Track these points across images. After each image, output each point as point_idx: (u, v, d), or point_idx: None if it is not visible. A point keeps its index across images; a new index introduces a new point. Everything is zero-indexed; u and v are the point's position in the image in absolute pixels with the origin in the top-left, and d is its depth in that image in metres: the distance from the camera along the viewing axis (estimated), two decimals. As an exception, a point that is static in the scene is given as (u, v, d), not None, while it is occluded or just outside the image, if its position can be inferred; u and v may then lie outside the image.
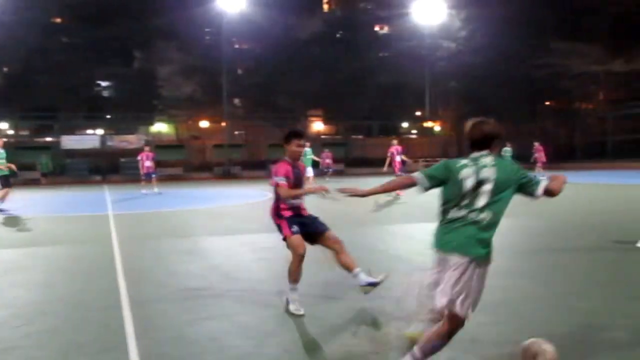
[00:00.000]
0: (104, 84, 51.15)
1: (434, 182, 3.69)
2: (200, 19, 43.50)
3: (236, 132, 46.95)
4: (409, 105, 51.39)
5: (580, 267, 7.14)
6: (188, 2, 42.54)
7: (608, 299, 5.61)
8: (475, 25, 47.20)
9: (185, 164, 40.03)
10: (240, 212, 15.25)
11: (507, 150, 31.25)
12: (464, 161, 3.68)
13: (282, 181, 5.30)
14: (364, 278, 5.33)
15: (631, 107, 47.25)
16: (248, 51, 51.48)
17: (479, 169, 3.59)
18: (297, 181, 5.45)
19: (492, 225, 3.57)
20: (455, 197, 3.61)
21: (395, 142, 19.21)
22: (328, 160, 30.76)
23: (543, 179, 3.69)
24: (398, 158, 18.59)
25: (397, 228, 10.92)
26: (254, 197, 19.88)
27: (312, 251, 5.44)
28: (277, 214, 5.45)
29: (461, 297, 3.49)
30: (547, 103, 55.67)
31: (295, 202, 5.46)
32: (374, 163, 41.67)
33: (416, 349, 3.59)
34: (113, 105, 47.49)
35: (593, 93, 54.47)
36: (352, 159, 41.75)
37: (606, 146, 48.35)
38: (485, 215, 3.53)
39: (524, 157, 35.18)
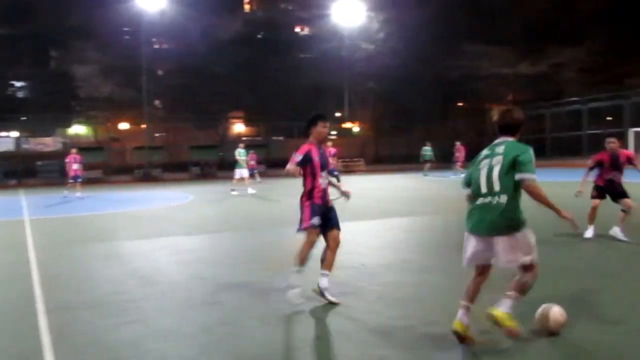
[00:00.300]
0: (18, 84, 48.64)
1: (467, 179, 4.34)
2: (119, 18, 42.13)
3: (157, 134, 45.83)
4: (329, 106, 51.93)
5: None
6: (106, 0, 41.17)
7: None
8: (392, 28, 48.39)
9: (105, 166, 38.67)
10: (162, 215, 14.98)
11: (427, 149, 32.20)
12: (485, 152, 4.28)
13: (297, 157, 5.48)
14: (324, 285, 5.51)
15: (537, 108, 49.88)
16: (168, 51, 50.38)
17: (493, 155, 4.16)
18: (324, 161, 5.64)
19: (508, 202, 4.03)
20: (476, 184, 4.19)
21: (329, 143, 19.44)
22: (253, 162, 30.65)
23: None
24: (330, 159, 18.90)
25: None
26: (176, 199, 19.57)
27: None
28: (308, 196, 5.57)
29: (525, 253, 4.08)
30: (460, 104, 57.79)
31: (324, 184, 5.63)
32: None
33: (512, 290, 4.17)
34: (28, 107, 45.16)
35: (502, 94, 57.00)
36: (273, 160, 41.73)
37: (514, 145, 50.70)
38: (501, 196, 4.04)
39: (439, 156, 36.52)
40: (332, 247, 5.62)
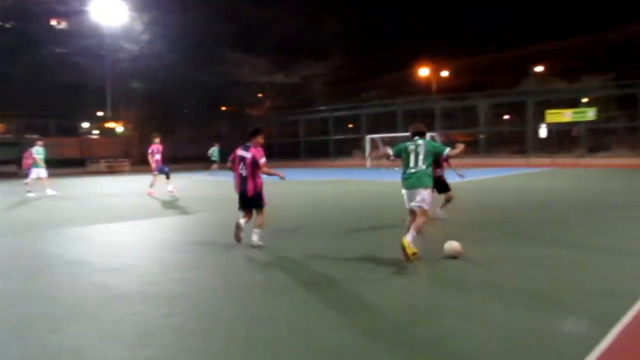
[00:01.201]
0: None
1: (397, 153, 7.06)
2: None
3: None
4: (90, 105, 48.25)
5: (244, 256, 7.59)
6: None
7: (262, 281, 6.07)
8: (157, 30, 46.74)
9: None
10: None
11: (214, 150, 32.14)
12: (408, 143, 6.98)
13: (264, 158, 7.82)
14: (256, 239, 7.70)
15: (292, 115, 52.77)
16: None
17: (417, 145, 6.88)
18: None
19: (428, 171, 6.81)
20: (407, 161, 6.85)
21: (157, 140, 17.71)
22: (30, 161, 26.94)
23: (449, 148, 7.19)
24: (157, 156, 17.33)
25: (75, 231, 10.12)
26: None
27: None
28: (261, 185, 7.89)
29: (428, 203, 6.86)
30: (223, 108, 58.44)
31: None
32: (49, 163, 37.67)
33: (412, 229, 6.59)
34: None
35: (260, 101, 59.10)
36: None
37: (272, 148, 53.02)
38: (423, 167, 6.76)
39: (203, 158, 36.39)
40: (259, 214, 7.91)
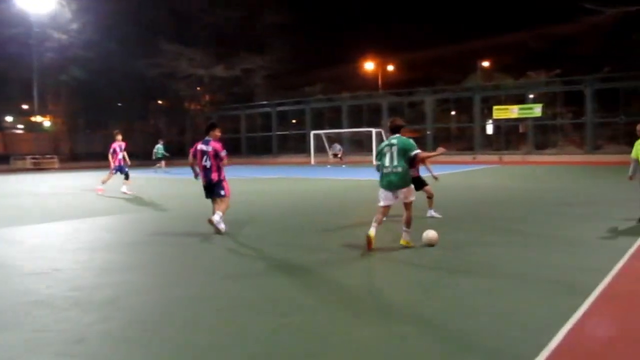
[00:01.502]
0: None
1: (377, 158, 7.55)
2: None
3: None
4: (14, 97, 46.27)
5: (184, 256, 7.48)
6: None
7: (205, 282, 5.98)
8: (87, 19, 45.16)
9: None
10: None
11: (160, 147, 31.64)
12: (384, 143, 7.51)
13: (226, 153, 8.88)
14: (217, 218, 8.58)
15: (233, 110, 52.25)
16: None
17: (391, 145, 7.34)
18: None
19: (403, 171, 7.22)
20: (382, 161, 7.34)
21: (119, 137, 16.94)
22: None
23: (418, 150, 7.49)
24: (120, 156, 16.65)
25: (2, 232, 9.72)
26: None
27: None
28: (224, 176, 8.93)
29: (411, 195, 7.41)
30: (159, 102, 57.21)
31: None
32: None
33: (404, 225, 7.39)
34: None
35: (199, 94, 58.06)
36: None
37: (213, 143, 52.19)
38: (398, 168, 7.22)
39: (140, 154, 35.58)
40: (220, 202, 8.92)
